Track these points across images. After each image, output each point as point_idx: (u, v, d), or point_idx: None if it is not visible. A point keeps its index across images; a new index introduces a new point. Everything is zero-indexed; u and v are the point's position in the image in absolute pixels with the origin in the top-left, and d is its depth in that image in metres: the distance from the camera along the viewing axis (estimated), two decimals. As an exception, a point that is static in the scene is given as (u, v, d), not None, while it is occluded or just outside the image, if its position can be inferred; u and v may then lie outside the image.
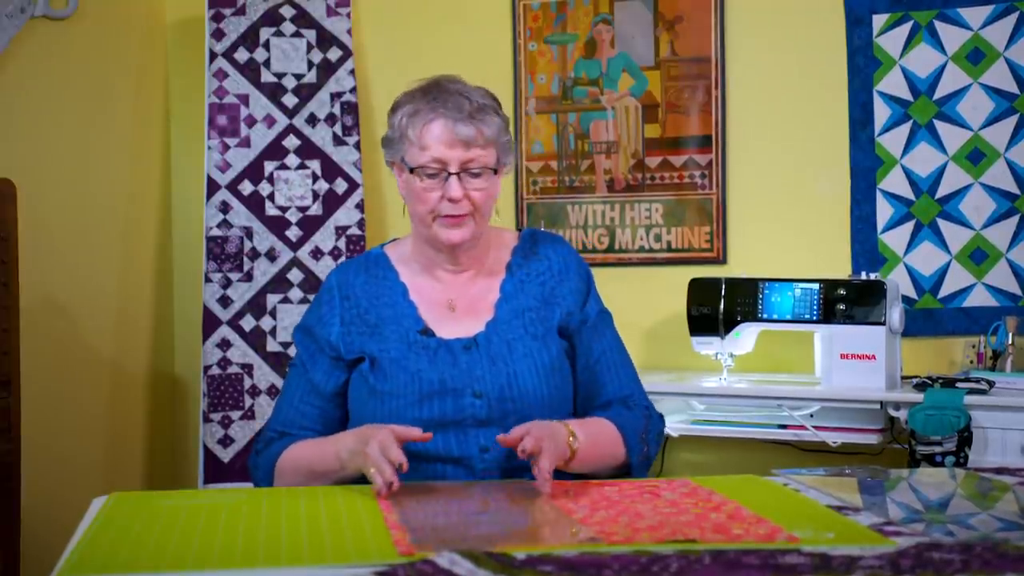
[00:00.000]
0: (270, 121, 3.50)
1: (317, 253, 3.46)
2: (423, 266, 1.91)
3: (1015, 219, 3.07)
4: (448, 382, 1.79)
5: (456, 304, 1.88)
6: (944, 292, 3.13)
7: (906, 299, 3.14)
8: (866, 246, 3.19)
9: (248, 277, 3.44)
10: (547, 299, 1.89)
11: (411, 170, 1.82)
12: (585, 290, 1.93)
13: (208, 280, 3.43)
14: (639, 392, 1.94)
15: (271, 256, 3.45)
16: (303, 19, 3.55)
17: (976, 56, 3.09)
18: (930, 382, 2.75)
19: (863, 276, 2.90)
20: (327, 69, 3.54)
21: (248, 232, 3.46)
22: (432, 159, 1.80)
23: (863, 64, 3.19)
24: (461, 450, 1.77)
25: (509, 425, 1.78)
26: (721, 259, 3.34)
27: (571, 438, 1.69)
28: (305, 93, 3.52)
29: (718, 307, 2.97)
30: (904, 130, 3.16)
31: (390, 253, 1.96)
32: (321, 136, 3.50)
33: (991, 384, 2.72)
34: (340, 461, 1.70)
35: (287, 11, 3.55)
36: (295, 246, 3.46)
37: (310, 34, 3.55)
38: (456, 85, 1.86)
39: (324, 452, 1.75)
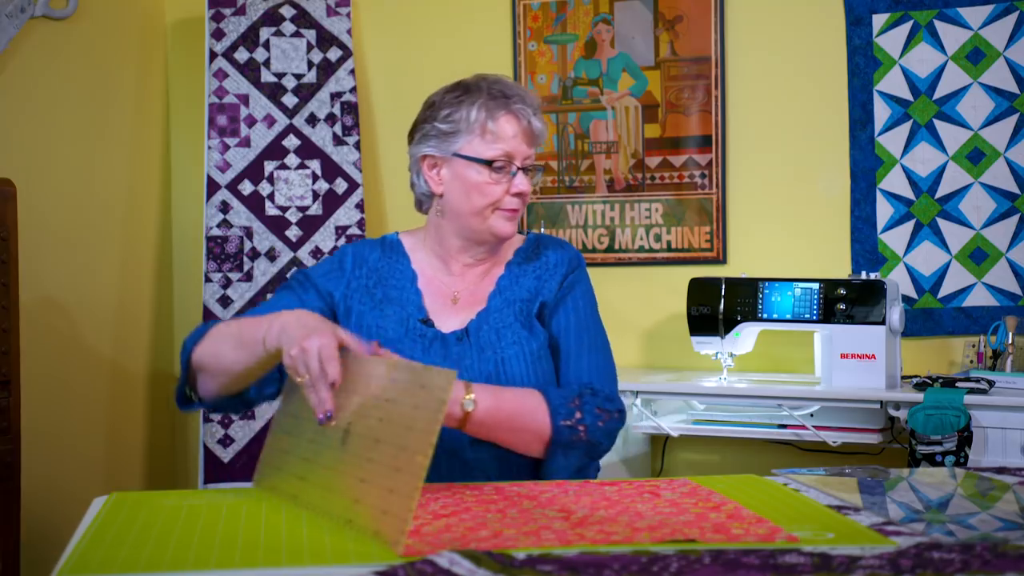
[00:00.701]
0: (270, 121, 3.50)
1: (317, 253, 3.46)
2: (440, 258, 1.92)
3: (1015, 219, 3.07)
4: None
5: (459, 297, 1.90)
6: (944, 292, 3.13)
7: (906, 299, 3.14)
8: (866, 246, 3.20)
9: (248, 277, 3.44)
10: (538, 291, 1.90)
11: (482, 162, 1.82)
12: (561, 279, 1.91)
13: (208, 280, 3.43)
14: (601, 380, 1.84)
15: (271, 256, 3.45)
16: (303, 19, 3.55)
17: (976, 56, 3.09)
18: (930, 382, 2.75)
19: (863, 276, 2.90)
20: (327, 69, 3.54)
21: (248, 232, 3.46)
22: (503, 152, 1.82)
23: (863, 64, 3.19)
24: (451, 441, 1.76)
25: None
26: (721, 259, 3.34)
27: (467, 395, 1.64)
28: (305, 93, 3.52)
29: (718, 307, 2.97)
30: (904, 130, 3.16)
31: (404, 240, 1.97)
32: (321, 136, 3.50)
33: (991, 384, 2.72)
34: (264, 340, 1.60)
35: (287, 11, 3.55)
36: (295, 246, 3.46)
37: (310, 34, 3.55)
38: (514, 82, 1.90)
39: (257, 322, 1.65)
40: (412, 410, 1.35)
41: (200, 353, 1.76)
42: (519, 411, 1.73)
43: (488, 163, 1.82)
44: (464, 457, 1.78)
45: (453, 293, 1.90)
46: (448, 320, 1.87)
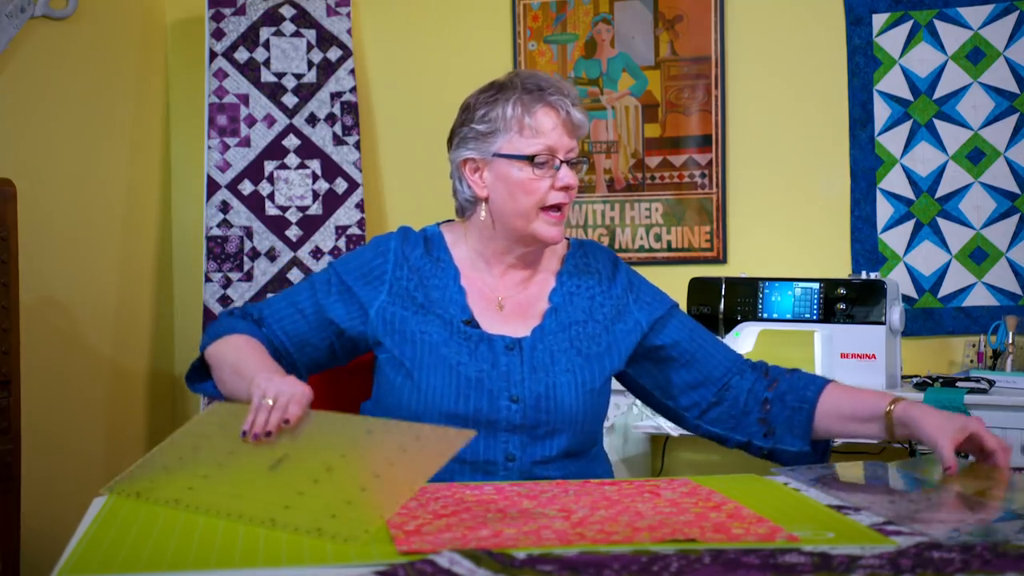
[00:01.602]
0: (270, 121, 3.50)
1: (317, 253, 3.46)
2: (483, 257, 1.86)
3: (1015, 218, 3.07)
4: (486, 381, 1.75)
5: (505, 304, 1.84)
6: (944, 291, 3.13)
7: (906, 298, 3.14)
8: (866, 245, 3.20)
9: (248, 277, 3.44)
10: (602, 318, 1.85)
11: (523, 158, 1.78)
12: (638, 295, 1.90)
13: (208, 280, 3.44)
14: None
15: (271, 256, 3.45)
16: (303, 19, 3.55)
17: (976, 55, 3.09)
18: (930, 381, 2.75)
19: (863, 276, 2.90)
20: (327, 69, 3.54)
21: (248, 232, 3.46)
22: (544, 147, 1.78)
23: (863, 64, 3.20)
24: (487, 454, 1.75)
25: (539, 435, 1.76)
26: (721, 259, 3.34)
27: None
28: (305, 93, 3.52)
29: (718, 307, 2.97)
30: (904, 129, 3.16)
31: (445, 234, 1.90)
32: (321, 136, 3.50)
33: (991, 383, 2.72)
34: (251, 384, 1.61)
35: (287, 11, 3.55)
36: (295, 246, 3.46)
37: (310, 34, 3.55)
38: (548, 74, 1.87)
39: (254, 363, 1.70)
40: (398, 451, 1.40)
41: (210, 354, 1.81)
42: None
43: (530, 159, 1.77)
44: (496, 474, 1.76)
45: (498, 298, 1.84)
46: (494, 324, 1.81)
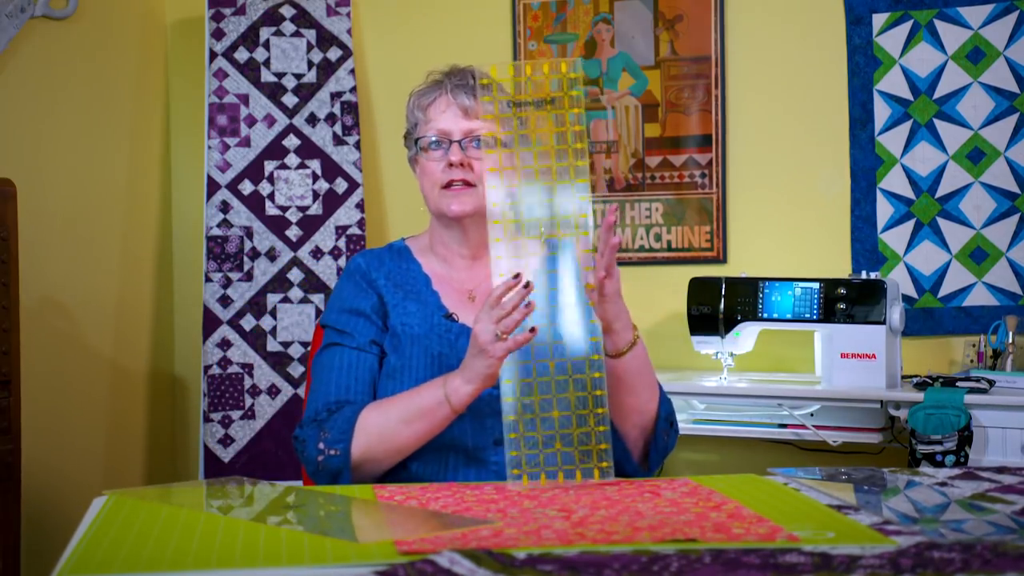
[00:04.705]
0: (270, 121, 3.50)
1: (317, 253, 3.46)
2: (442, 256, 1.93)
3: (1015, 218, 3.07)
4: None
5: (475, 294, 1.90)
6: (944, 291, 3.13)
7: (906, 298, 3.14)
8: (866, 245, 3.20)
9: (248, 277, 3.44)
10: None
11: (419, 146, 1.87)
12: None
13: (208, 280, 3.43)
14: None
15: (271, 256, 3.45)
16: (303, 19, 3.55)
17: (976, 55, 3.09)
18: (930, 381, 2.75)
19: (863, 275, 2.90)
20: (327, 69, 3.54)
21: (248, 232, 3.46)
22: (437, 131, 1.85)
23: (863, 63, 3.19)
24: (475, 440, 1.78)
25: (526, 418, 1.78)
26: (721, 259, 3.34)
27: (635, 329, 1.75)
28: (305, 93, 3.52)
29: (718, 306, 2.97)
30: (904, 129, 3.16)
31: (411, 245, 1.98)
32: (321, 136, 3.50)
33: (991, 383, 2.72)
34: (448, 399, 1.68)
35: (287, 11, 3.55)
36: (295, 246, 3.46)
37: (310, 34, 3.55)
38: (466, 66, 1.93)
39: (420, 389, 1.72)
40: None
41: (362, 449, 1.74)
42: (650, 373, 1.81)
43: (419, 143, 1.87)
44: (485, 459, 1.77)
45: (468, 290, 1.90)
46: (468, 317, 1.86)
